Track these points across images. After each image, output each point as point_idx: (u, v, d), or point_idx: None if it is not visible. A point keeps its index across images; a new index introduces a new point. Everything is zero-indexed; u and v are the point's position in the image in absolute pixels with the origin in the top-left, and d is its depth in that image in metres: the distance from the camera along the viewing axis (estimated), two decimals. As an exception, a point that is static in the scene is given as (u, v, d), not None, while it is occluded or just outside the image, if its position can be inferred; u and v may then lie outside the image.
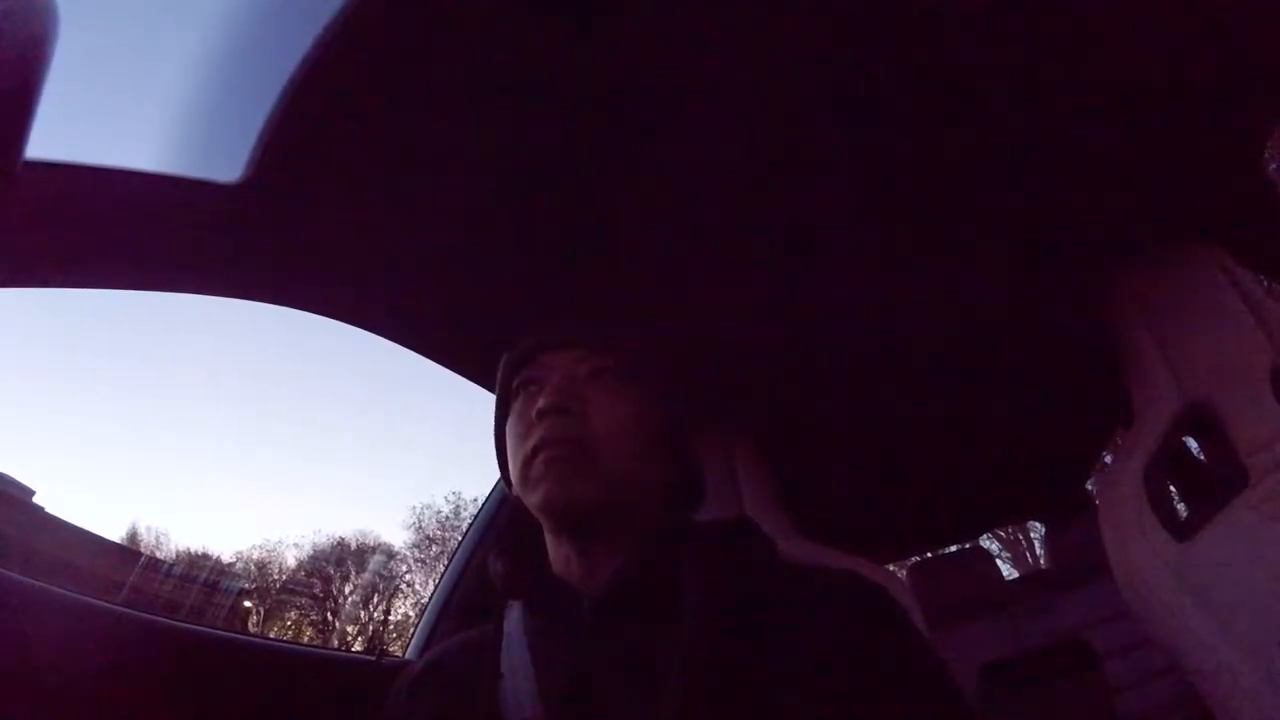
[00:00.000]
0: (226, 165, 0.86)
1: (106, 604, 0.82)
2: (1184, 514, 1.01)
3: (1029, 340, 1.52)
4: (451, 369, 1.25)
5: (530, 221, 1.02)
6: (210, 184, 0.86)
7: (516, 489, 0.70)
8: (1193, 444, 1.10)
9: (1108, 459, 2.77)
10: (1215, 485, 0.97)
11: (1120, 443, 2.37)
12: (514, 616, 0.69)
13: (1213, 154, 1.10)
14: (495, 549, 0.73)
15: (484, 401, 1.20)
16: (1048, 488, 2.47)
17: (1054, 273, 1.31)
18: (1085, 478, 2.62)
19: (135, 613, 0.85)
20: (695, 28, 0.80)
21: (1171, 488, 1.05)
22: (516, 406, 0.72)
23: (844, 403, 1.63)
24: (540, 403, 0.67)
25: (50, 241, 0.82)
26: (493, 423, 0.78)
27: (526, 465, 0.67)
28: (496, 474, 1.35)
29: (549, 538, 0.70)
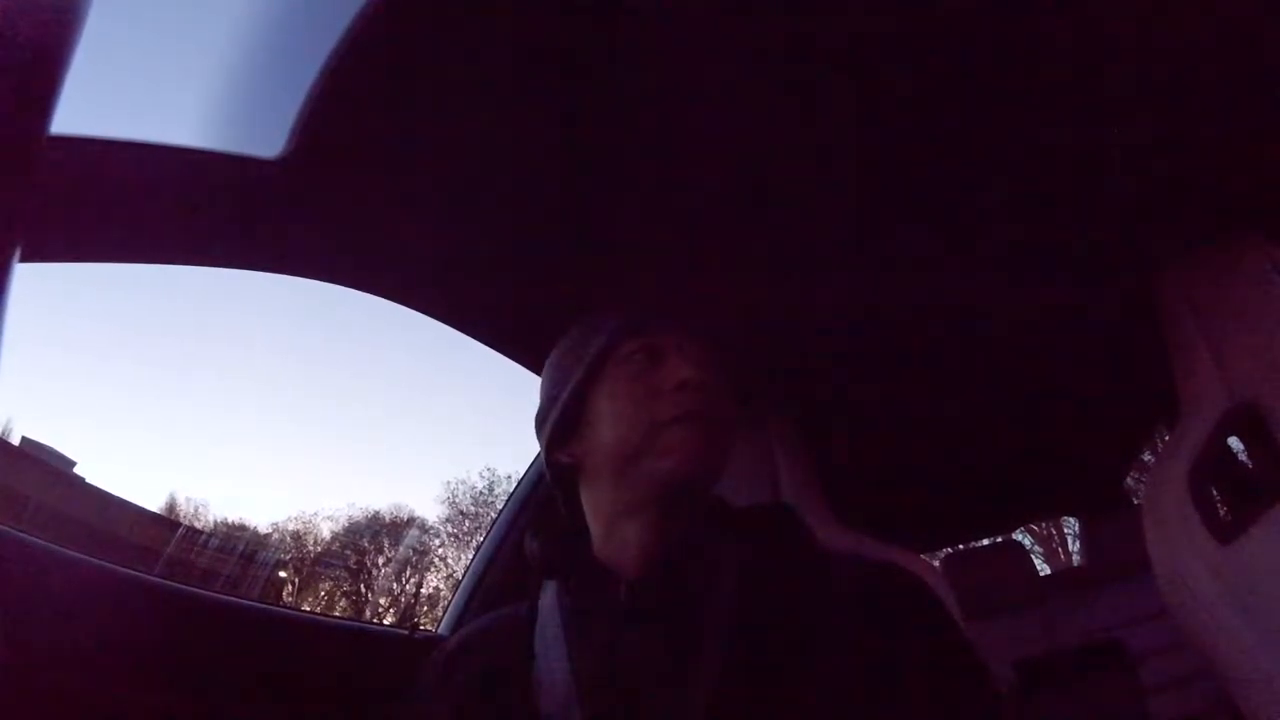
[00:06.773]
0: (267, 140, 0.86)
1: (140, 574, 0.84)
2: (1226, 516, 0.98)
3: (1074, 335, 1.50)
4: (489, 345, 1.24)
5: (572, 202, 1.01)
6: (251, 159, 0.86)
7: (618, 454, 0.66)
8: (1233, 443, 1.06)
9: (1146, 457, 2.72)
10: (1260, 487, 0.93)
11: (1161, 441, 2.33)
12: (549, 596, 0.69)
13: (1263, 147, 1.06)
14: (532, 528, 0.73)
15: (520, 379, 1.20)
16: (1086, 483, 2.44)
17: (1102, 267, 1.28)
18: (1124, 475, 2.58)
19: (166, 583, 0.87)
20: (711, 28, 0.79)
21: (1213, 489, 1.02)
22: (629, 370, 0.68)
23: (889, 391, 1.61)
24: (685, 373, 0.65)
25: (94, 218, 0.83)
26: (569, 385, 0.71)
27: (654, 432, 0.64)
28: (530, 453, 1.35)
29: (610, 514, 0.68)
